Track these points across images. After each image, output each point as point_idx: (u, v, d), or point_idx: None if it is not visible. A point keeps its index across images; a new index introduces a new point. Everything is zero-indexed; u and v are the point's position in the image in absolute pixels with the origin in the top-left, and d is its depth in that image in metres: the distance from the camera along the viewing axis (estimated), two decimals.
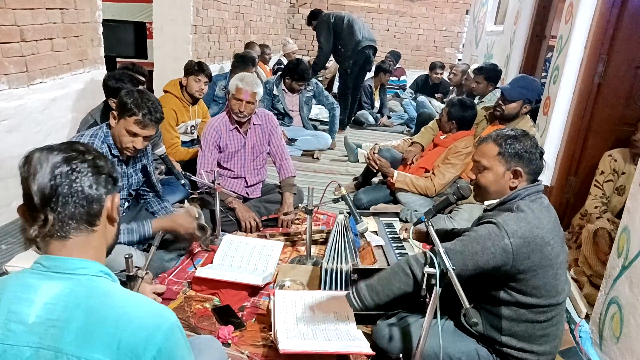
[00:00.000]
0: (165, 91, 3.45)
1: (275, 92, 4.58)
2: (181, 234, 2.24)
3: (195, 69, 3.35)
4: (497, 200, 1.65)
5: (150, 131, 2.08)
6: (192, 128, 3.59)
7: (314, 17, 5.44)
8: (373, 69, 6.14)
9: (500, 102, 3.04)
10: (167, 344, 0.89)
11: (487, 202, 1.70)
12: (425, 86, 6.55)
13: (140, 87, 2.52)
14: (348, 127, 5.73)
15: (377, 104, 6.28)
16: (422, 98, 6.08)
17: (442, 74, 6.44)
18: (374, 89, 6.17)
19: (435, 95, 6.29)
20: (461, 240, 1.57)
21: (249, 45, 5.69)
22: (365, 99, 6.09)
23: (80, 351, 0.85)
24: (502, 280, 1.56)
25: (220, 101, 4.45)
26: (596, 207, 2.57)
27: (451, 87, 6.10)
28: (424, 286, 1.44)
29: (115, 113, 2.06)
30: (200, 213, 2.40)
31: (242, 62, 4.43)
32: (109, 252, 1.03)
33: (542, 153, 1.65)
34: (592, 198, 2.64)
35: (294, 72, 4.49)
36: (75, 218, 0.92)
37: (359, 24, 5.24)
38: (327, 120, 5.92)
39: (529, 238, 1.49)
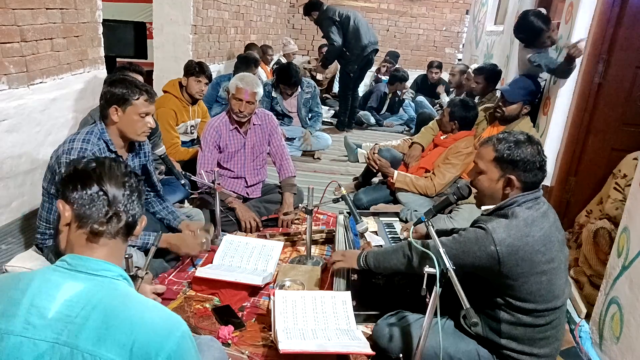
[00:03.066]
0: (165, 91, 3.44)
1: (273, 94, 4.58)
2: (182, 252, 2.25)
3: (195, 69, 3.35)
4: (494, 205, 1.63)
5: (155, 106, 2.11)
6: (192, 128, 3.59)
7: (313, 8, 5.29)
8: (375, 69, 6.13)
9: (500, 103, 3.04)
10: (178, 351, 0.92)
11: (483, 207, 1.69)
12: (424, 85, 6.57)
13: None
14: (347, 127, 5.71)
15: (384, 109, 6.29)
16: (421, 98, 6.08)
17: (438, 72, 6.44)
18: (388, 95, 6.16)
19: (436, 101, 6.28)
20: (451, 239, 1.60)
21: (249, 46, 5.69)
22: (373, 103, 6.08)
23: (96, 349, 0.88)
24: (495, 286, 1.56)
25: (224, 102, 4.44)
26: (617, 209, 2.38)
27: (451, 88, 6.09)
28: (424, 286, 1.45)
29: (116, 107, 2.00)
30: (208, 238, 2.41)
31: (245, 63, 4.41)
32: None
33: (542, 162, 1.58)
34: (612, 202, 2.47)
35: (281, 78, 4.44)
36: (127, 225, 1.03)
37: (365, 27, 5.21)
38: (328, 120, 5.94)
39: (518, 246, 1.48)
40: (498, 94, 3.47)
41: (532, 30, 3.06)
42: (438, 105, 6.04)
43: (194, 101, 3.49)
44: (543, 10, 3.20)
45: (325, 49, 6.91)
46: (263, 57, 5.97)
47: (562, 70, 2.88)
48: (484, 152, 1.65)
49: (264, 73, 5.70)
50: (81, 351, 0.88)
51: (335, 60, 5.68)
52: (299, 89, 4.59)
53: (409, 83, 6.91)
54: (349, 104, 5.58)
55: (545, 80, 3.29)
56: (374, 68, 6.36)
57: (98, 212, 0.99)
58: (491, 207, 1.64)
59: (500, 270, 1.50)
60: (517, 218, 1.52)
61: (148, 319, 0.93)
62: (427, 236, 1.96)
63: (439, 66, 6.47)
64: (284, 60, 6.55)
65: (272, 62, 6.53)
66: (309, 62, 5.86)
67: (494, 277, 1.54)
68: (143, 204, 1.07)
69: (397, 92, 6.14)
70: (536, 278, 1.51)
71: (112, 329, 0.89)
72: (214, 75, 4.57)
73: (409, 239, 1.68)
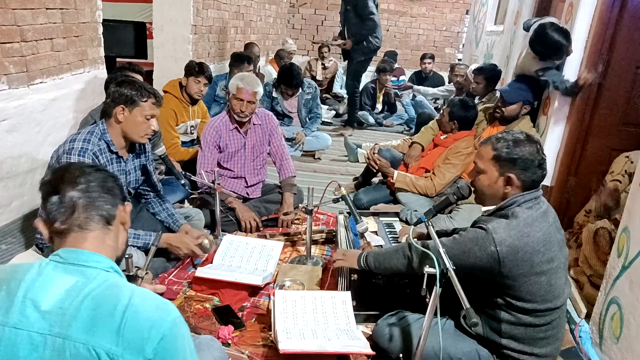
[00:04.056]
0: (165, 91, 3.44)
1: (274, 94, 4.58)
2: (181, 253, 2.24)
3: (195, 70, 3.35)
4: (494, 206, 1.63)
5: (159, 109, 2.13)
6: (192, 128, 3.59)
7: None
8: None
9: (499, 104, 3.04)
10: (170, 334, 0.93)
11: (484, 208, 1.69)
12: (420, 79, 6.71)
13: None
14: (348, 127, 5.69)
15: (379, 106, 6.30)
16: (421, 98, 6.10)
17: (431, 62, 6.60)
18: (377, 91, 6.19)
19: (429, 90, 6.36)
20: (451, 239, 1.60)
21: (248, 46, 5.70)
22: (366, 100, 6.10)
23: (88, 338, 0.90)
24: (495, 286, 1.56)
25: (222, 101, 4.45)
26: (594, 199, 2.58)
27: (447, 82, 6.19)
28: (424, 286, 1.45)
29: (123, 107, 2.01)
30: (211, 239, 2.39)
31: (238, 60, 4.41)
32: (118, 261, 1.10)
33: (542, 161, 1.57)
34: (595, 195, 2.63)
35: (283, 79, 4.43)
36: (98, 213, 1.04)
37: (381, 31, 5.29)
38: (328, 120, 5.94)
39: (518, 247, 1.48)
40: (498, 94, 3.47)
41: (552, 46, 2.86)
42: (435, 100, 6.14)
43: (193, 101, 3.49)
44: (556, 20, 3.05)
45: (325, 49, 6.99)
46: (279, 61, 6.00)
47: (571, 91, 2.83)
48: (483, 152, 1.65)
49: (274, 72, 5.73)
50: (73, 341, 0.90)
51: (336, 62, 5.61)
52: (300, 90, 4.58)
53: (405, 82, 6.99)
54: (357, 102, 5.57)
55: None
56: (372, 68, 6.38)
57: (59, 213, 1.02)
58: (492, 207, 1.64)
59: (500, 270, 1.50)
60: (517, 218, 1.52)
61: (140, 305, 0.94)
62: (427, 237, 1.97)
63: (432, 57, 6.66)
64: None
65: None
66: (335, 39, 5.54)
67: (493, 277, 1.54)
68: (115, 194, 1.08)
69: (386, 86, 6.15)
70: (536, 278, 1.51)
71: (103, 317, 0.91)
72: (215, 75, 4.58)
73: (409, 239, 1.68)
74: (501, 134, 1.64)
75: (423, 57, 6.65)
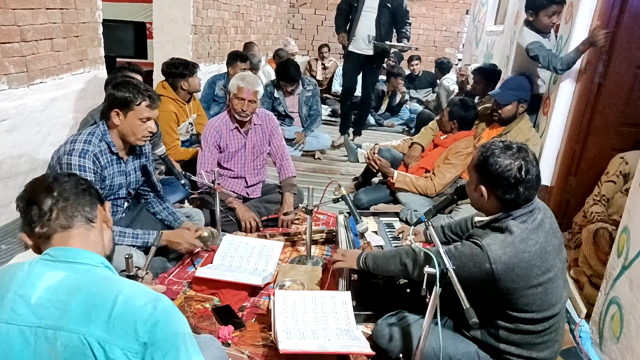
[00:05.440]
0: (160, 95, 3.41)
1: (276, 94, 4.58)
2: (181, 249, 2.25)
3: (195, 68, 3.35)
4: (488, 218, 1.60)
5: (158, 110, 2.12)
6: (190, 126, 3.59)
7: None
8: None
9: (495, 107, 3.05)
10: (164, 319, 0.95)
11: (476, 219, 1.68)
12: (411, 81, 6.86)
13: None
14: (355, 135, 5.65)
15: (383, 107, 6.32)
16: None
17: (418, 63, 6.79)
18: (386, 94, 6.21)
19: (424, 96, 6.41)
20: (447, 251, 1.56)
21: (247, 45, 5.70)
22: (372, 102, 6.13)
23: (80, 328, 0.92)
24: (491, 297, 1.55)
25: (221, 101, 4.45)
26: (588, 204, 2.61)
27: (438, 80, 6.24)
28: (424, 286, 1.44)
29: (118, 111, 2.02)
30: (212, 231, 2.39)
31: (232, 58, 4.42)
32: (109, 259, 1.11)
33: (519, 180, 1.47)
34: (590, 196, 2.66)
35: (280, 74, 4.44)
36: (79, 214, 1.07)
37: None
38: (330, 119, 5.94)
39: (514, 264, 1.46)
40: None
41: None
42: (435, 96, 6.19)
43: (188, 99, 3.49)
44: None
45: (325, 49, 7.03)
46: (278, 61, 6.01)
47: (566, 63, 2.77)
48: (473, 157, 1.63)
49: (273, 71, 5.74)
50: (65, 331, 0.92)
51: (336, 62, 5.56)
52: (301, 87, 4.58)
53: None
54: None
55: (544, 83, 3.29)
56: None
57: (39, 220, 1.05)
58: (485, 218, 1.62)
59: (496, 286, 1.49)
60: (512, 234, 1.49)
61: (132, 295, 0.96)
62: (427, 236, 1.96)
63: (418, 58, 6.84)
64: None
65: None
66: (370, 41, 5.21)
67: (489, 290, 1.53)
68: (91, 195, 1.12)
69: (396, 90, 6.19)
70: (532, 290, 1.50)
71: (95, 307, 0.93)
72: (213, 75, 4.57)
73: (409, 243, 1.68)
74: (492, 142, 1.58)
75: (410, 59, 6.81)
